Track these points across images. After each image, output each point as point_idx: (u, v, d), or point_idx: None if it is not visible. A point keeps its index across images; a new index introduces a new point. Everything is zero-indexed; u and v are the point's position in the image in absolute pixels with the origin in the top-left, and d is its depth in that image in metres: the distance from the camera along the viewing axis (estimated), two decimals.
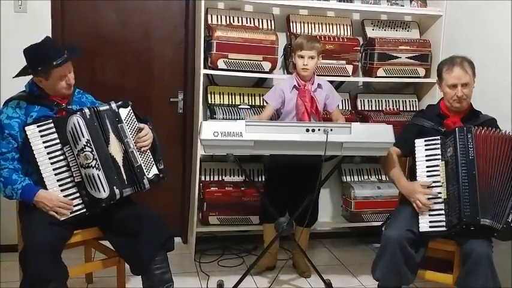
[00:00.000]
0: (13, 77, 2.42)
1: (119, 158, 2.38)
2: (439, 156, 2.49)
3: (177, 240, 3.66)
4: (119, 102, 2.43)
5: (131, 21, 3.46)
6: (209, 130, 2.46)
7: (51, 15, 3.23)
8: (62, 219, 2.29)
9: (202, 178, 3.47)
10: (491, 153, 2.42)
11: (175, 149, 3.60)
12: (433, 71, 3.45)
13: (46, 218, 2.26)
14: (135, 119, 2.46)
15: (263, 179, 3.48)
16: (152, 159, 2.48)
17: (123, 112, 2.42)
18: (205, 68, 3.26)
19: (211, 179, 3.50)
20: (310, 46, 2.93)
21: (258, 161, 3.43)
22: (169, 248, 2.46)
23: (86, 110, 2.35)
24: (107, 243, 2.60)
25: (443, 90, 2.61)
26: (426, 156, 2.52)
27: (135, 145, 2.42)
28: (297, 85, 2.99)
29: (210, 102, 3.43)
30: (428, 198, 2.47)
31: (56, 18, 3.25)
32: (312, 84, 3.01)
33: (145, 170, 2.43)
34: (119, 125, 2.39)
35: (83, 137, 2.30)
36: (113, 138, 2.38)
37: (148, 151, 2.47)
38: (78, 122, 2.31)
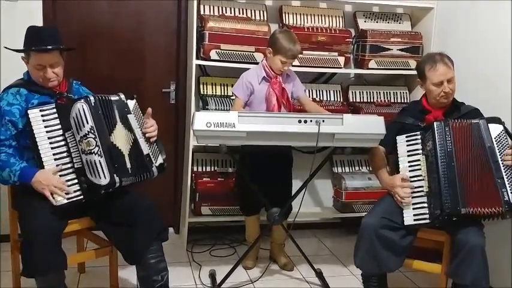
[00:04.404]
0: (5, 47, 2.44)
1: (123, 146, 2.39)
2: (420, 151, 2.54)
3: (170, 230, 3.67)
4: (125, 95, 2.49)
5: (123, 11, 3.45)
6: (202, 121, 2.46)
7: (43, 4, 3.21)
8: (58, 204, 2.27)
9: (195, 169, 3.48)
10: (470, 143, 2.46)
11: (167, 139, 3.58)
12: None
13: (44, 206, 2.26)
14: (140, 111, 2.51)
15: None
16: (158, 149, 2.55)
17: (131, 103, 2.48)
18: (197, 58, 3.25)
19: (204, 170, 3.51)
20: (295, 53, 2.88)
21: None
22: (163, 238, 2.47)
23: (91, 98, 2.35)
24: (99, 233, 2.62)
25: (428, 89, 2.62)
26: (407, 151, 2.57)
27: (144, 135, 2.47)
28: (266, 76, 2.96)
29: (202, 93, 3.43)
30: (413, 193, 2.51)
31: (47, 7, 3.23)
32: (281, 74, 2.99)
33: (153, 159, 2.49)
34: (128, 115, 2.44)
35: (87, 123, 2.30)
36: (119, 127, 2.40)
37: (154, 142, 2.53)
38: (83, 108, 2.31)
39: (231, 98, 3.42)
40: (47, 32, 2.42)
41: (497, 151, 2.42)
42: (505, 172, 2.39)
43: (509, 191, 2.37)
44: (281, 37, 2.88)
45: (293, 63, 3.01)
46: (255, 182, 2.88)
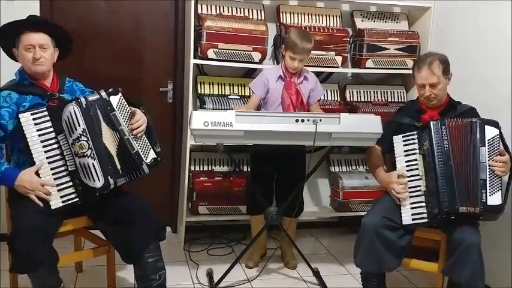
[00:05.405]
0: None
1: (112, 147, 2.36)
2: (417, 151, 2.54)
3: (167, 229, 3.66)
4: (109, 90, 2.40)
5: (121, 10, 3.45)
6: (199, 120, 2.47)
7: (40, 4, 3.20)
8: (54, 207, 2.28)
9: (192, 168, 3.49)
10: (464, 142, 2.47)
11: (164, 138, 3.57)
12: None
13: (37, 207, 2.25)
14: (126, 105, 2.43)
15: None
16: (148, 144, 2.47)
17: (114, 100, 2.39)
18: (195, 57, 3.25)
19: (201, 169, 3.52)
20: (302, 50, 2.87)
21: (247, 151, 3.45)
22: (161, 237, 2.47)
23: (82, 99, 2.31)
24: (96, 232, 2.62)
25: (417, 88, 2.65)
26: (404, 151, 2.57)
27: (130, 131, 2.40)
28: (283, 76, 2.99)
29: (199, 92, 3.43)
30: (410, 192, 2.51)
31: (44, 7, 3.23)
32: (298, 76, 3.02)
33: (143, 156, 2.41)
34: (111, 114, 2.36)
35: (79, 126, 2.27)
36: (105, 128, 2.35)
37: (143, 136, 2.45)
38: (74, 110, 2.28)
39: (229, 97, 3.42)
40: (35, 17, 2.45)
41: (486, 153, 2.43)
42: (489, 175, 2.41)
43: (488, 194, 2.38)
44: (292, 32, 2.93)
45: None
46: (266, 182, 2.89)
